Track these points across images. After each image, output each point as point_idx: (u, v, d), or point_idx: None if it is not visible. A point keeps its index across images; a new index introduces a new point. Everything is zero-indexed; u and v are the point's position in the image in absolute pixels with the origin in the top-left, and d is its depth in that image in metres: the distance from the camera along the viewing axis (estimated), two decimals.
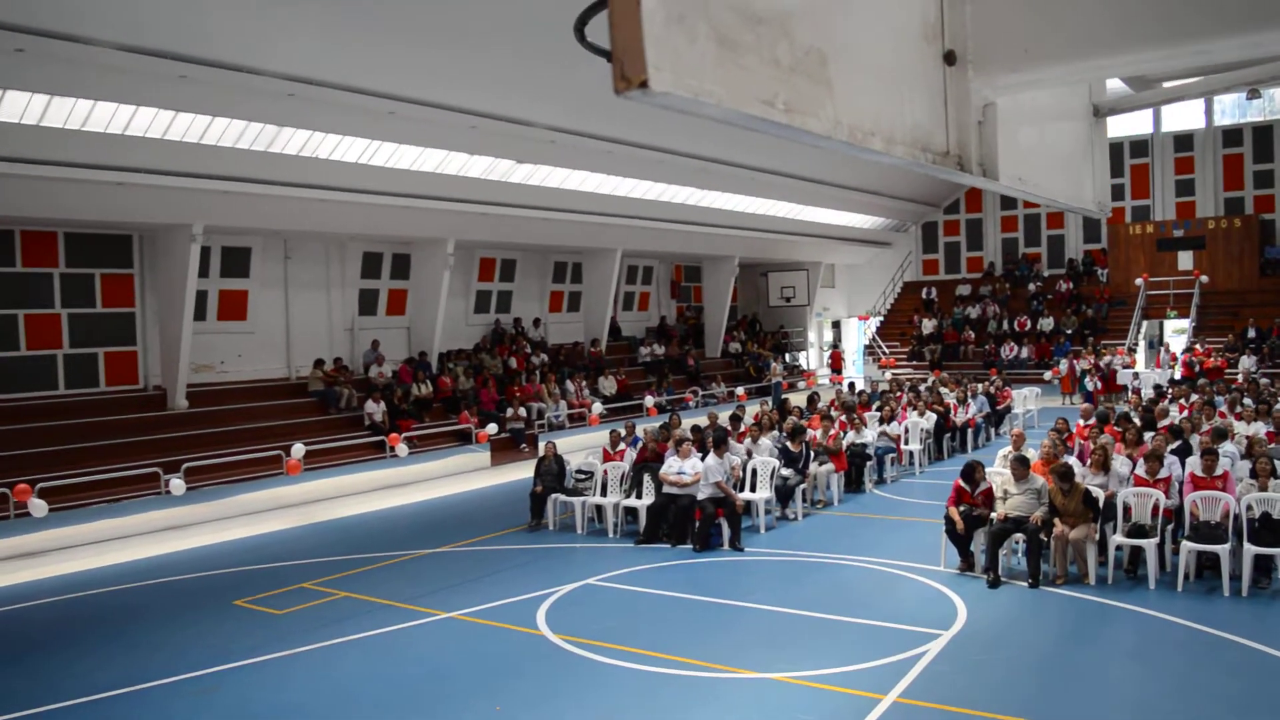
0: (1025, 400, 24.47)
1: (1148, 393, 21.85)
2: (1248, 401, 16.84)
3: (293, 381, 22.18)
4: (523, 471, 19.09)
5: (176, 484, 16.34)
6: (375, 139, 19.00)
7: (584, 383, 26.75)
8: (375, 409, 21.30)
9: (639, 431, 15.96)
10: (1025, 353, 33.97)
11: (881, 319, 39.76)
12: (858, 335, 40.99)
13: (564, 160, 22.77)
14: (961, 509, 11.21)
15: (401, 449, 20.21)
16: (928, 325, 36.87)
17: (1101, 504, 10.95)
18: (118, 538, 15.07)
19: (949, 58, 3.04)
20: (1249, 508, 10.30)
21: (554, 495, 14.66)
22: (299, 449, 18.33)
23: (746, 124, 2.27)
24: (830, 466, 15.69)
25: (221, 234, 20.10)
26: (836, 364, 37.61)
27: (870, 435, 17.18)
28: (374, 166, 19.54)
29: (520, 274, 28.30)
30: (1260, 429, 14.52)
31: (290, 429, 19.85)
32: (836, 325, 41.94)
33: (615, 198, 25.51)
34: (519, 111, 19.82)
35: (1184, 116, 36.21)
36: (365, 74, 16.74)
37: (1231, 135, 35.65)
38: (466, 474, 20.66)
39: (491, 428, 22.09)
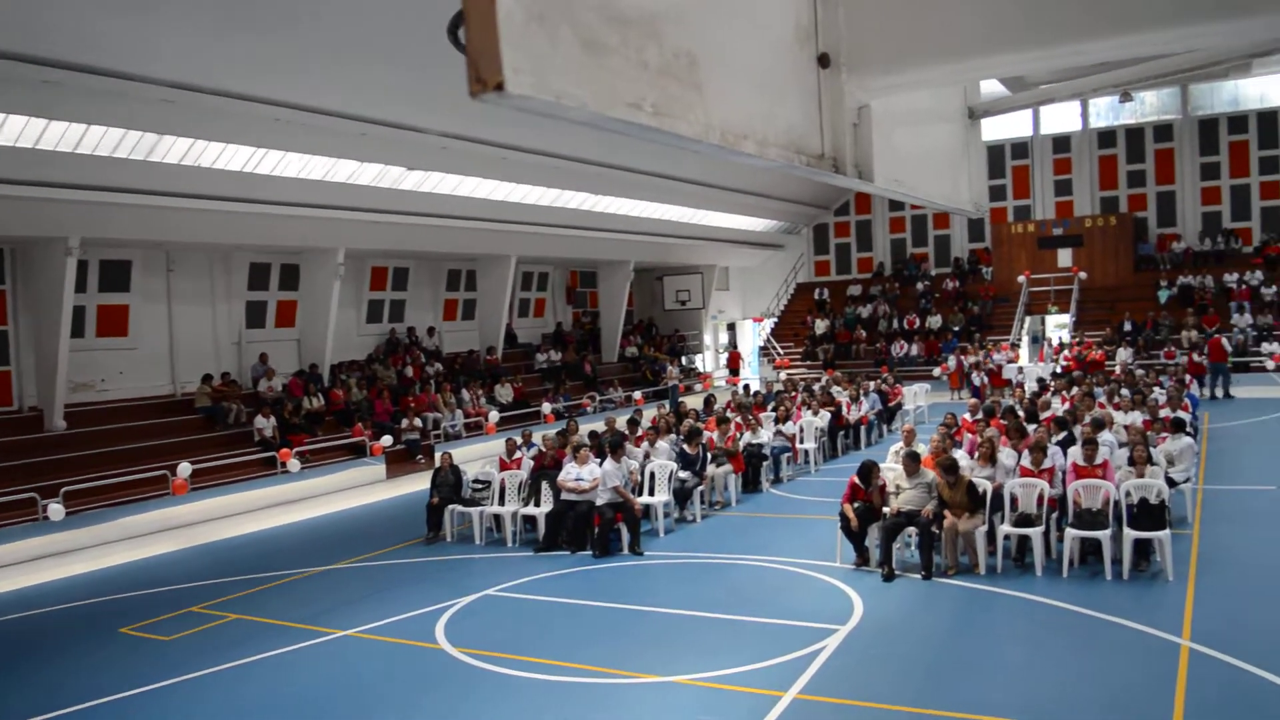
0: (916, 397, 25.00)
1: (1031, 386, 22.52)
2: (1125, 392, 17.46)
3: (178, 398, 21.53)
4: (419, 483, 18.82)
5: (55, 509, 15.73)
6: (261, 146, 18.56)
7: (480, 391, 26.52)
8: (265, 424, 20.81)
9: (536, 439, 15.88)
10: (915, 350, 34.76)
11: (775, 320, 40.28)
12: (752, 337, 41.43)
13: (456, 167, 22.56)
14: (856, 505, 11.39)
15: (293, 464, 19.77)
16: (820, 325, 37.48)
17: (989, 495, 11.24)
18: None
19: (823, 60, 3.06)
20: (1128, 494, 10.68)
21: (451, 506, 14.48)
22: (185, 468, 17.81)
23: (614, 128, 2.24)
24: (728, 468, 15.81)
25: (100, 246, 19.40)
26: (734, 364, 37.96)
27: (766, 435, 17.35)
28: (259, 175, 19.08)
29: (413, 282, 27.95)
30: (1137, 418, 15.06)
31: (176, 447, 19.26)
32: (731, 327, 42.36)
33: (509, 204, 25.36)
34: (409, 118, 19.59)
35: (1061, 119, 37.52)
36: (249, 80, 16.36)
37: (1106, 137, 37.03)
38: (361, 488, 20.29)
39: (386, 440, 21.76)
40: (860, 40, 3.09)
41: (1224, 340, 27.02)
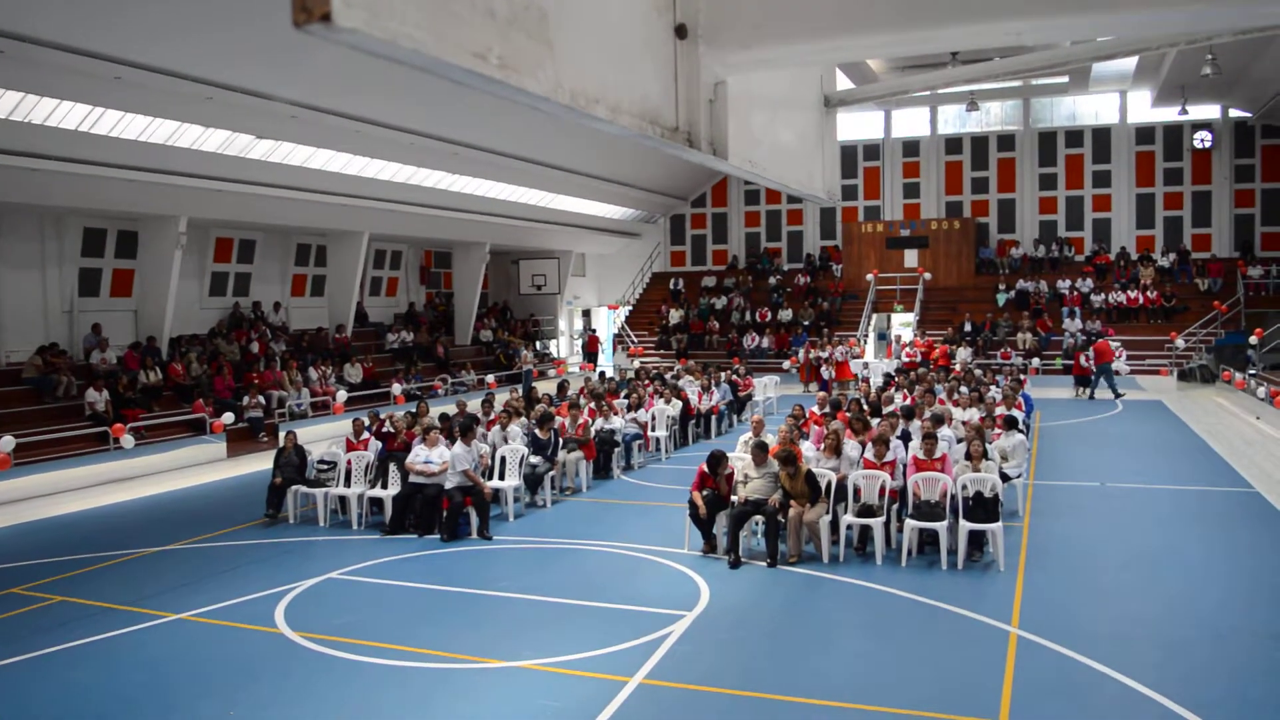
0: (766, 388, 25.47)
1: (877, 381, 23.19)
2: (964, 389, 18.12)
3: (3, 368, 20.30)
4: (262, 463, 18.27)
5: None
6: (99, 105, 17.60)
7: (329, 370, 25.85)
8: (97, 398, 19.80)
9: (386, 422, 15.54)
10: (766, 343, 35.40)
11: (630, 308, 40.47)
12: (607, 324, 41.54)
13: (307, 138, 21.87)
14: (704, 493, 11.51)
15: (127, 440, 18.90)
16: (675, 315, 37.81)
17: (834, 486, 11.52)
18: None
19: (680, 31, 3.04)
20: (964, 487, 11.09)
21: (294, 487, 14.07)
22: (9, 441, 16.80)
23: (457, 77, 2.14)
24: (579, 454, 15.79)
25: None
26: (593, 348, 37.99)
27: (619, 422, 17.41)
28: (96, 135, 18.10)
29: (260, 256, 27.02)
30: (974, 415, 15.65)
31: (0, 419, 18.20)
32: (587, 314, 42.37)
33: (362, 179, 24.75)
34: (259, 84, 18.88)
35: (911, 124, 38.72)
36: (88, 34, 15.46)
37: (953, 144, 38.37)
38: (200, 466, 19.56)
39: (228, 417, 21.00)
40: (718, 13, 3.08)
41: (1110, 342, 27.63)
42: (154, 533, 13.71)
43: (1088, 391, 27.12)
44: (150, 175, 19.62)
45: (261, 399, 22.37)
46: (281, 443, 14.72)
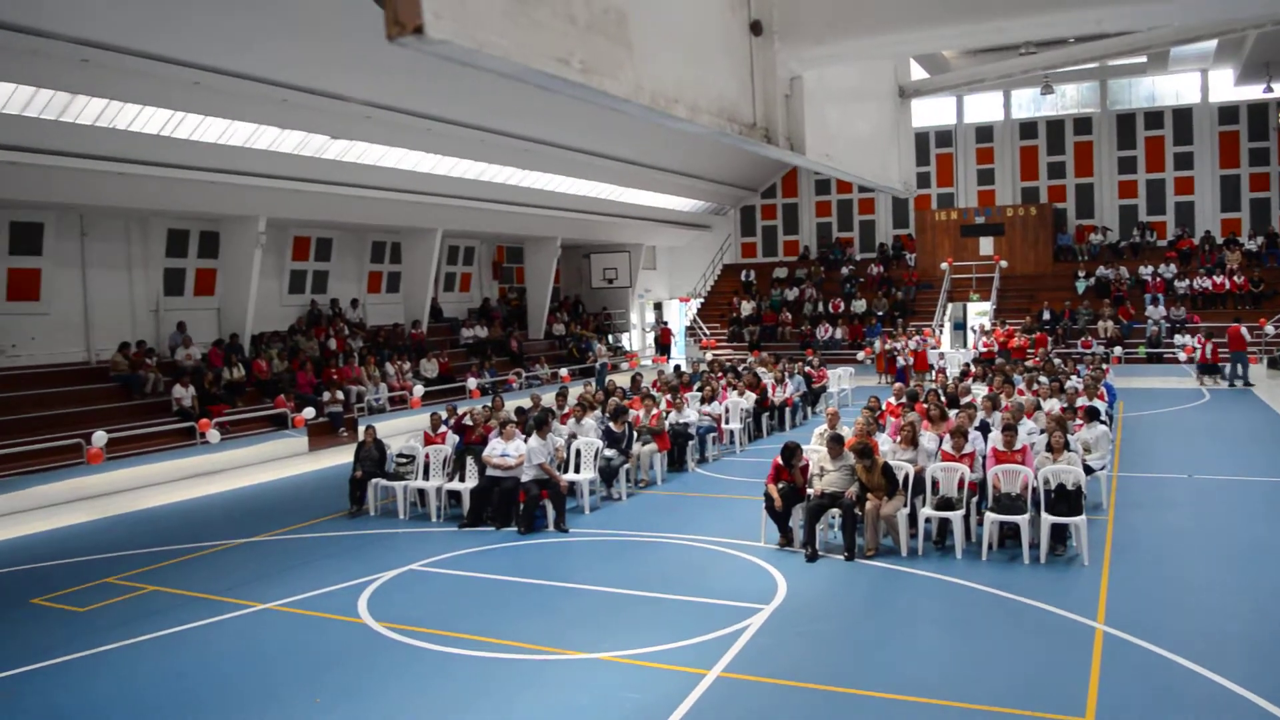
0: (840, 380, 25.27)
1: (953, 371, 22.90)
2: (1043, 379, 17.81)
3: (93, 365, 20.94)
4: (342, 456, 18.60)
5: None
6: (179, 110, 18.04)
7: (405, 365, 26.22)
8: (184, 394, 20.34)
9: (466, 416, 15.72)
10: (840, 334, 35.13)
11: (702, 301, 40.42)
12: (679, 317, 41.52)
13: (381, 137, 22.20)
14: (780, 486, 11.47)
15: (213, 435, 19.38)
16: (746, 307, 37.69)
17: (910, 478, 11.40)
18: None
19: (755, 27, 3.04)
20: (1045, 480, 10.90)
21: (374, 480, 14.31)
22: (101, 436, 17.35)
23: (541, 83, 2.18)
24: (653, 446, 15.83)
25: (10, 208, 18.77)
26: (666, 341, 38.07)
27: (692, 415, 17.41)
28: (178, 139, 18.56)
29: (337, 253, 27.49)
30: (1055, 405, 15.38)
31: (91, 415, 18.74)
32: (658, 307, 42.40)
33: (435, 176, 25.04)
34: (333, 85, 19.21)
35: (984, 109, 38.11)
36: (167, 41, 15.89)
37: (1027, 128, 37.70)
38: (283, 460, 19.97)
39: (309, 412, 21.42)
40: (792, 9, 3.07)
41: (1243, 329, 26.50)
42: (239, 525, 14.04)
43: (1225, 380, 26.08)
44: (229, 177, 20.08)
45: (341, 394, 22.79)
46: (361, 437, 14.98)
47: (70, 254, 20.74)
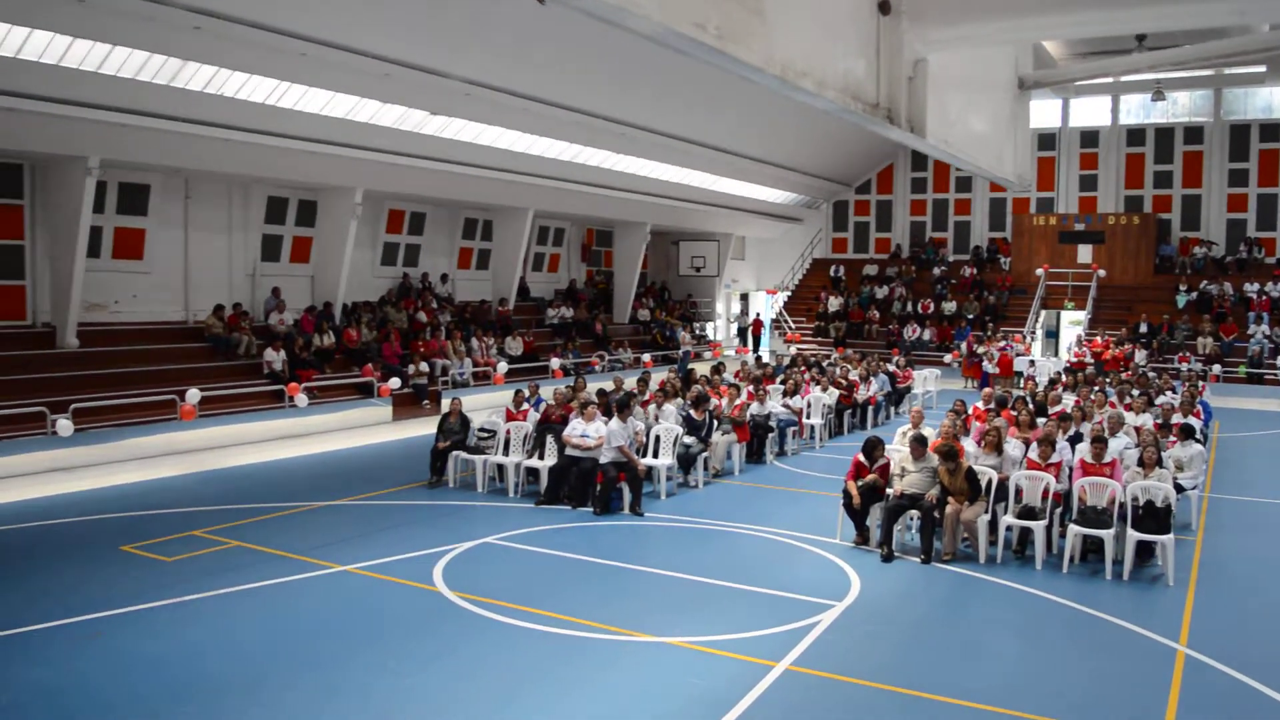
0: (925, 381, 24.93)
1: (1042, 380, 22.42)
2: (1136, 392, 17.36)
3: (189, 325, 21.49)
4: (423, 428, 18.85)
5: (64, 425, 15.75)
6: (285, 80, 18.37)
7: (490, 341, 26.48)
8: (275, 357, 20.79)
9: (542, 392, 15.83)
10: (927, 335, 34.61)
11: (789, 294, 40.12)
12: (765, 308, 41.27)
13: (479, 115, 22.38)
14: (859, 484, 11.35)
15: (301, 399, 19.78)
16: (834, 303, 37.33)
17: (994, 485, 11.19)
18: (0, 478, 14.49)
19: (884, 7, 3.01)
20: (1134, 496, 10.61)
21: (456, 453, 14.47)
22: (194, 394, 17.81)
23: (680, 46, 2.19)
24: (733, 436, 15.77)
25: (119, 169, 19.30)
26: (757, 331, 37.94)
27: (774, 407, 17.31)
28: (282, 108, 18.92)
29: (429, 228, 27.82)
30: (1148, 420, 14.99)
31: (185, 374, 19.24)
32: (744, 298, 42.20)
33: (530, 156, 25.18)
34: (435, 62, 19.40)
35: (1091, 113, 37.15)
36: (277, 11, 16.19)
37: (1135, 135, 36.66)
38: (366, 427, 20.32)
39: (394, 382, 21.75)
40: None
41: None
42: (322, 488, 14.34)
43: None
44: (329, 148, 20.41)
45: (426, 366, 23.09)
46: (446, 409, 15.16)
47: (174, 216, 21.29)
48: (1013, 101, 4.28)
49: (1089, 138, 37.25)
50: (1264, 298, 32.18)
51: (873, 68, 2.76)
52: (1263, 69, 32.02)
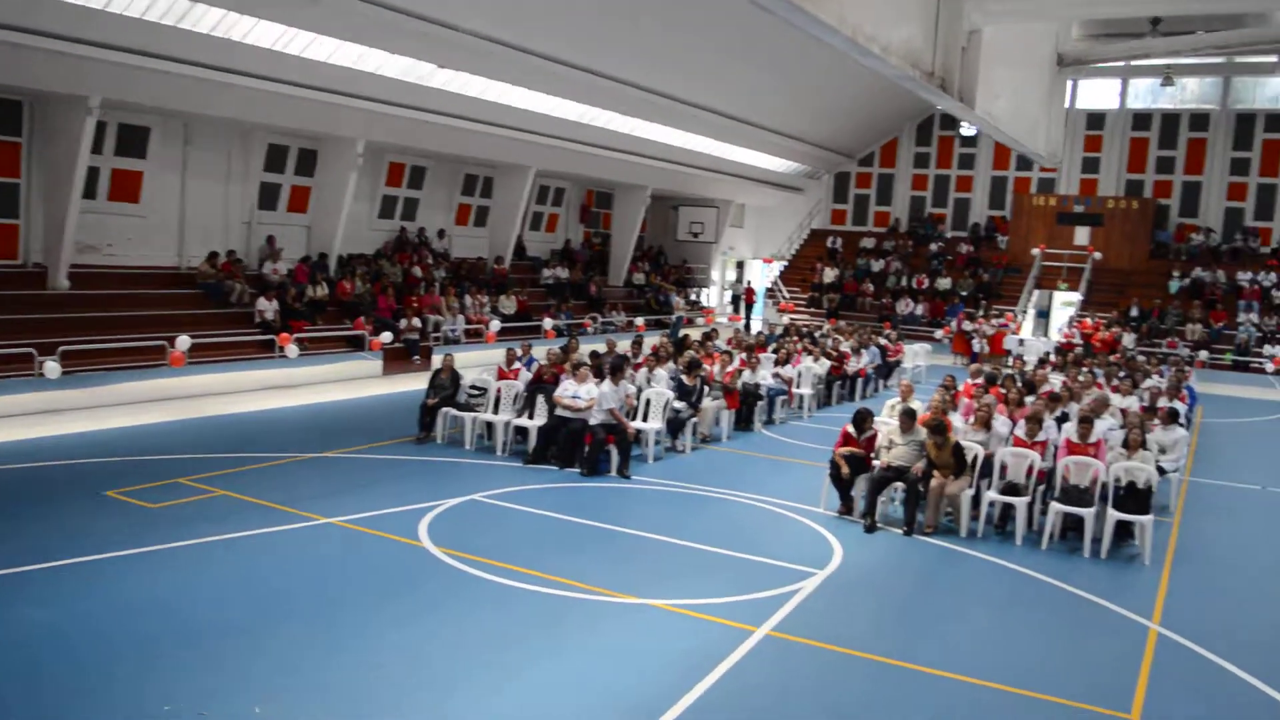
0: (915, 356, 25.04)
1: (1031, 360, 22.52)
2: (1123, 374, 17.47)
3: (183, 271, 21.39)
4: (413, 382, 18.88)
5: (51, 366, 15.73)
6: (292, 26, 18.16)
7: (484, 299, 26.47)
8: (267, 307, 20.75)
9: (536, 353, 15.87)
10: (920, 310, 34.66)
11: (785, 264, 40.10)
12: (760, 277, 41.24)
13: (485, 70, 22.20)
14: (846, 454, 11.44)
15: (291, 350, 19.78)
16: (829, 274, 37.33)
17: (979, 460, 11.30)
18: None
19: None
20: (1117, 477, 10.73)
21: (445, 409, 14.52)
22: (185, 340, 17.80)
23: (765, 2, 2.26)
24: (722, 403, 15.85)
25: (119, 110, 19.13)
26: (750, 299, 37.96)
27: (765, 376, 17.38)
28: (288, 55, 18.72)
29: (429, 183, 27.69)
30: (1134, 403, 15.11)
31: (176, 320, 19.17)
32: (740, 265, 42.16)
33: (534, 114, 25.03)
34: (445, 14, 19.20)
35: (1099, 96, 36.97)
36: None
37: (1141, 119, 36.56)
38: (357, 380, 20.37)
39: (386, 336, 21.76)
40: None
41: None
42: (310, 440, 14.39)
43: None
44: (334, 97, 20.24)
45: (418, 322, 23.08)
46: (438, 364, 15.18)
47: (172, 160, 21.15)
48: (1051, 77, 4.33)
49: (1095, 120, 37.12)
50: (1255, 286, 32.28)
51: (930, 36, 2.82)
52: (1274, 59, 31.89)
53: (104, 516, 10.09)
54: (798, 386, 18.68)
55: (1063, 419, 12.85)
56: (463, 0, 18.94)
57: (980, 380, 15.53)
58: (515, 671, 6.98)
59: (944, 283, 35.71)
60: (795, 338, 22.11)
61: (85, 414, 15.21)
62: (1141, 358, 23.09)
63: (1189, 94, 35.99)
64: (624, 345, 17.72)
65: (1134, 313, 31.62)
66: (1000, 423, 12.12)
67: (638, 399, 14.37)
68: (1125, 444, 11.22)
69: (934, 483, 10.96)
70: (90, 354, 16.95)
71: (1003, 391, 13.83)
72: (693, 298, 37.08)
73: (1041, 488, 11.31)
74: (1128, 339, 29.12)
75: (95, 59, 16.30)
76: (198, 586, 8.30)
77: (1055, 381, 16.36)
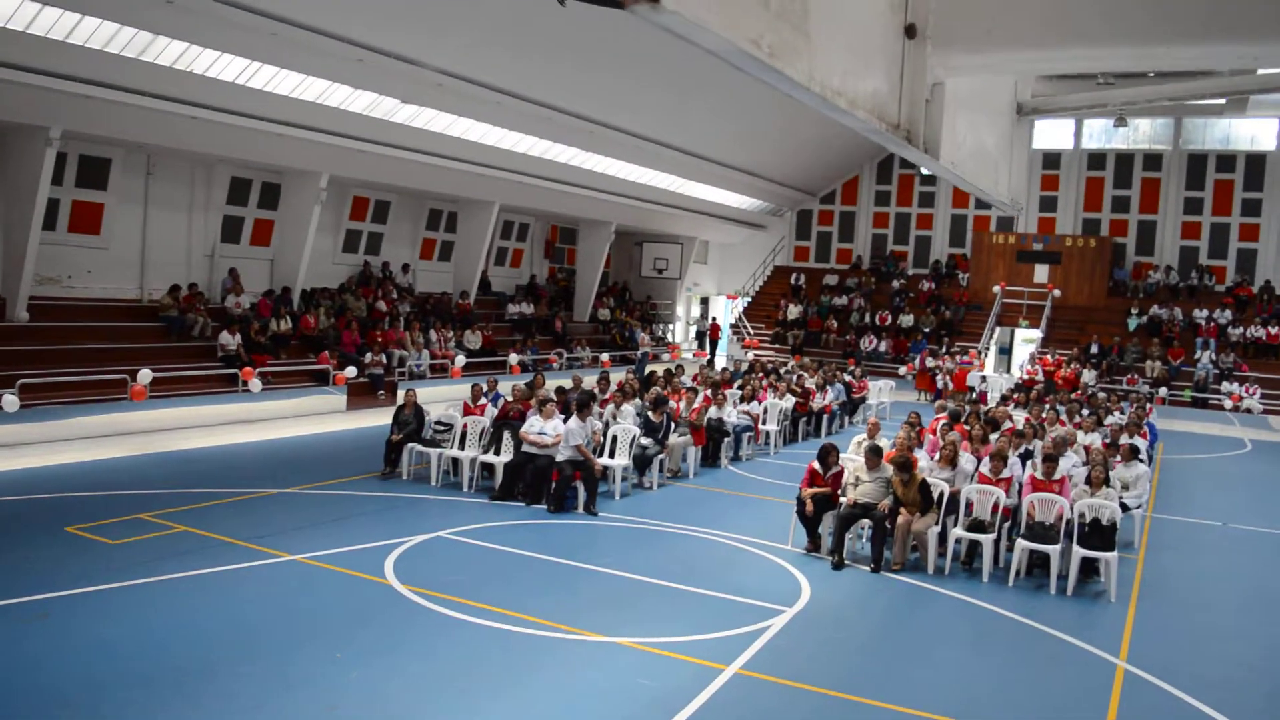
0: (880, 392, 25.16)
1: (994, 396, 22.71)
2: (1085, 412, 17.65)
3: (144, 304, 21.18)
4: (378, 418, 18.74)
5: (9, 399, 15.47)
6: (255, 60, 18.14)
7: (449, 334, 26.37)
8: (230, 340, 20.54)
9: (500, 388, 15.80)
10: (883, 346, 34.93)
11: (749, 300, 40.31)
12: (724, 313, 41.43)
13: (450, 106, 22.26)
14: (813, 491, 11.45)
15: (255, 384, 19.58)
16: (793, 310, 37.57)
17: (945, 497, 11.35)
18: None
19: (910, 30, 3.07)
20: (1081, 514, 10.81)
21: (411, 445, 14.40)
22: (146, 374, 17.57)
23: (738, 61, 2.31)
24: (689, 439, 15.84)
25: (81, 141, 18.97)
26: (715, 335, 38.08)
27: (730, 412, 17.40)
28: (251, 89, 18.68)
29: (393, 217, 27.63)
30: (1096, 439, 15.26)
31: (138, 353, 18.95)
32: (705, 301, 42.32)
33: (498, 149, 25.10)
34: (409, 50, 19.30)
35: (1054, 136, 37.63)
36: None
37: (1096, 159, 37.24)
38: (321, 415, 20.18)
39: (350, 371, 21.60)
40: (950, 15, 3.10)
41: None
42: (273, 475, 14.21)
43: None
44: (298, 131, 20.20)
45: (383, 356, 22.95)
46: (401, 400, 15.07)
47: (134, 192, 20.98)
48: (1010, 126, 4.41)
49: (1051, 159, 37.77)
50: (1212, 324, 32.83)
51: (895, 89, 2.86)
52: (1223, 101, 32.64)
53: (63, 553, 9.91)
54: (764, 423, 18.71)
55: (1026, 456, 12.94)
56: (427, 38, 19.03)
57: (945, 416, 15.62)
58: (478, 711, 6.89)
59: (907, 320, 36.04)
60: (760, 374, 22.17)
61: (44, 448, 14.98)
62: (1103, 394, 23.37)
63: (1141, 134, 36.74)
64: (590, 381, 17.69)
65: (1094, 350, 32.04)
66: (965, 460, 12.19)
67: (604, 435, 14.33)
68: (1088, 480, 11.31)
69: (900, 520, 10.99)
70: (50, 387, 16.71)
71: (967, 429, 13.91)
72: (658, 334, 37.14)
73: (1007, 524, 11.38)
74: (1088, 376, 29.47)
75: (56, 90, 16.21)
76: (161, 623, 8.14)
77: (1017, 418, 16.49)
